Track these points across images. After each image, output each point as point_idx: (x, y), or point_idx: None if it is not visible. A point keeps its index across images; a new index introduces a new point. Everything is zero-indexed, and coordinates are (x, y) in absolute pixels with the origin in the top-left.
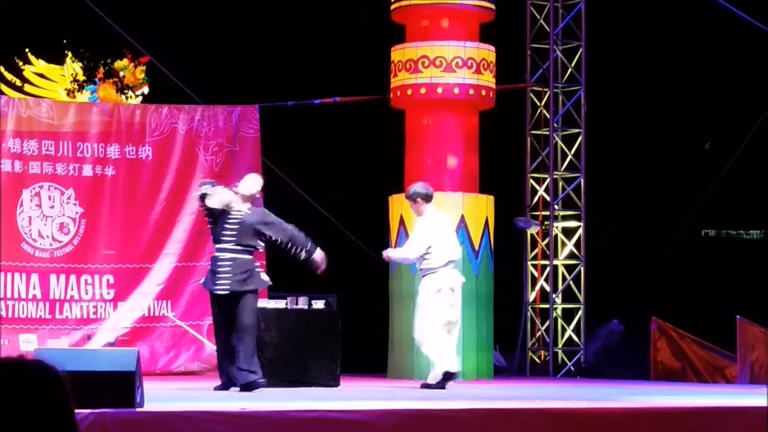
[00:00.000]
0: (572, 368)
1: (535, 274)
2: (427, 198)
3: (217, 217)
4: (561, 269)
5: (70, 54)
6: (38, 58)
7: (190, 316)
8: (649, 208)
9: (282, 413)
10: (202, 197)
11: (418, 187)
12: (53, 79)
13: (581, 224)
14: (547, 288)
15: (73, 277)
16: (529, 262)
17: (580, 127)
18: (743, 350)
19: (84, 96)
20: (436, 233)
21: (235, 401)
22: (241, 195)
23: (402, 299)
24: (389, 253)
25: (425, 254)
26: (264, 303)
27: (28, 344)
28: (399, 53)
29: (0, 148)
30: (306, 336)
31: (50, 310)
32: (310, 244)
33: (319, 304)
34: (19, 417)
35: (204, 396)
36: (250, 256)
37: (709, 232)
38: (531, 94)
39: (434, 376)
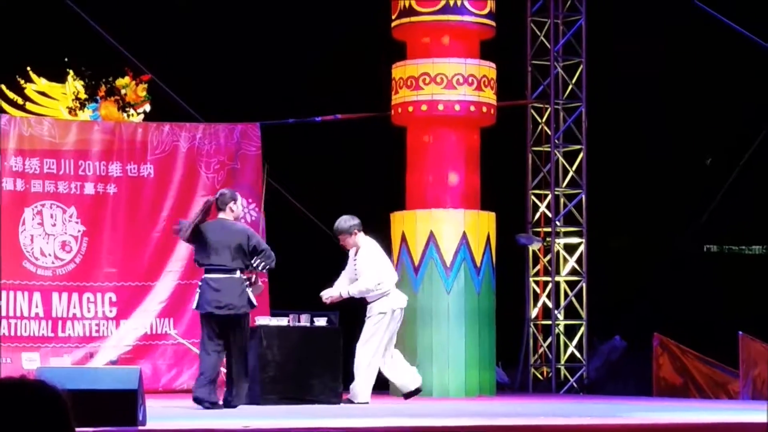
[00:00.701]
0: (575, 384)
1: (537, 290)
2: (360, 227)
3: None
4: (563, 285)
5: (71, 72)
6: (40, 76)
7: (193, 333)
8: (650, 223)
9: (284, 431)
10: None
11: (348, 219)
12: (55, 98)
13: (583, 240)
14: (549, 304)
15: (75, 295)
16: (531, 279)
17: (581, 143)
18: (745, 366)
19: (86, 114)
20: (382, 258)
21: (237, 419)
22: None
23: (404, 317)
24: (332, 294)
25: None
26: (266, 321)
27: (30, 362)
28: (400, 70)
29: (2, 166)
30: (308, 353)
31: (53, 329)
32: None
33: (321, 322)
34: None
35: (206, 414)
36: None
37: (711, 247)
38: (532, 111)
39: (360, 395)
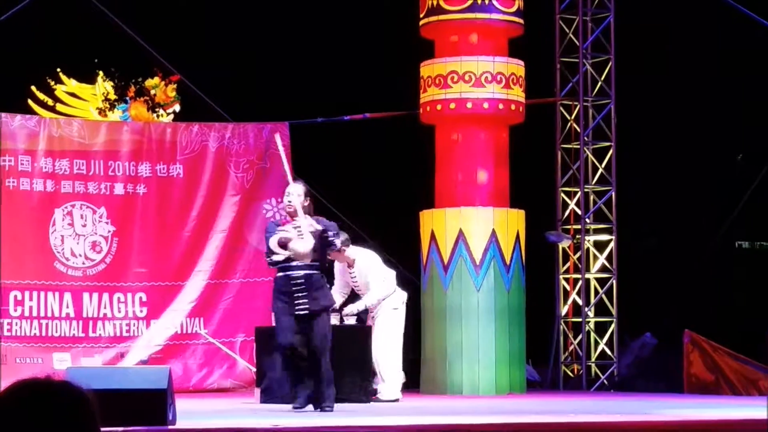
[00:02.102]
0: (605, 382)
1: (567, 287)
2: (348, 242)
3: None
4: (593, 283)
5: (101, 73)
6: (70, 77)
7: (223, 333)
8: (681, 219)
9: (314, 429)
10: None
11: (339, 234)
12: (85, 99)
13: (613, 237)
14: (580, 302)
15: (105, 296)
16: (561, 276)
17: (610, 140)
18: None
19: (115, 115)
20: (379, 261)
21: (266, 418)
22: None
23: (434, 314)
24: (354, 309)
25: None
26: None
27: (61, 363)
28: (428, 69)
29: (32, 167)
30: (338, 352)
31: (83, 329)
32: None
33: (350, 320)
34: None
35: (236, 413)
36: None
37: (743, 243)
38: (561, 108)
39: (390, 392)
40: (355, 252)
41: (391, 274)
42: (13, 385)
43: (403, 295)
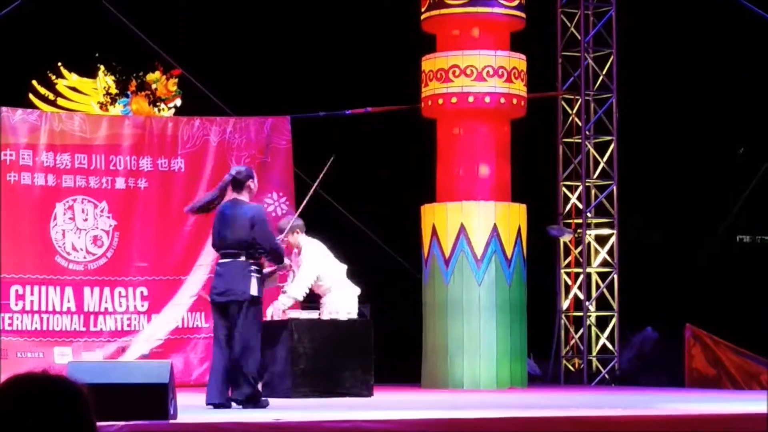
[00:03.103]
0: (607, 376)
1: (569, 282)
2: (303, 228)
3: None
4: (594, 277)
5: (102, 67)
6: (71, 71)
7: None
8: (682, 214)
9: (316, 424)
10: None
11: (292, 219)
12: (86, 93)
13: (614, 231)
14: (581, 296)
15: (107, 290)
16: (562, 270)
17: (612, 134)
18: None
19: (116, 109)
20: (321, 254)
21: (268, 412)
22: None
23: (435, 309)
24: (280, 305)
25: (317, 282)
26: (297, 313)
27: (62, 357)
28: (430, 63)
29: (33, 161)
30: (339, 346)
31: (84, 323)
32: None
33: (352, 315)
34: (42, 430)
35: (238, 407)
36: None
37: (744, 237)
38: (562, 102)
39: None
40: (304, 240)
41: (333, 271)
42: (8, 380)
43: (356, 290)
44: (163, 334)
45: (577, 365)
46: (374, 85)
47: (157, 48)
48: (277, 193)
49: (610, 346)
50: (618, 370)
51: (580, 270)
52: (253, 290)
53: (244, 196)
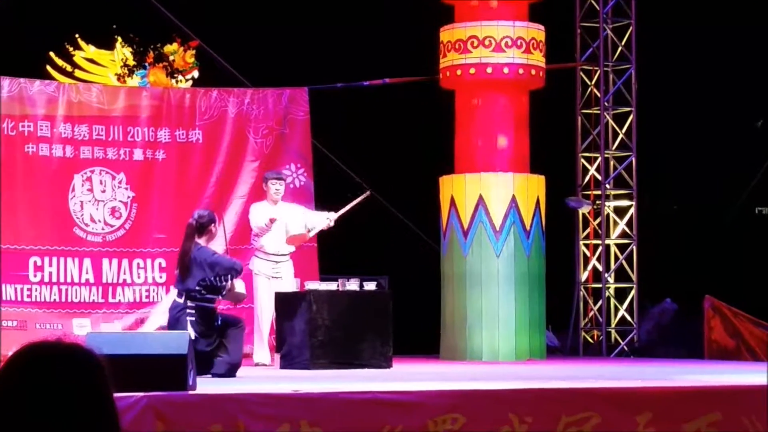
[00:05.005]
0: (625, 348)
1: (587, 253)
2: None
3: None
4: (613, 249)
5: (120, 39)
6: (88, 43)
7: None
8: (701, 185)
9: (334, 395)
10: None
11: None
12: (103, 65)
13: (633, 203)
14: (600, 268)
15: (125, 261)
16: (581, 242)
17: (630, 105)
18: None
19: (134, 81)
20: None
21: (287, 383)
22: None
23: (453, 280)
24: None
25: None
26: (315, 285)
27: (81, 328)
28: (448, 33)
29: (51, 133)
30: (358, 318)
31: (103, 295)
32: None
33: (370, 286)
34: (57, 400)
35: (256, 378)
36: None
37: (763, 209)
38: (581, 73)
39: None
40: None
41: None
42: (21, 348)
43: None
44: None
45: (595, 337)
46: (392, 56)
47: (175, 19)
48: (295, 164)
49: (628, 317)
50: (637, 342)
51: (599, 242)
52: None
53: (202, 242)
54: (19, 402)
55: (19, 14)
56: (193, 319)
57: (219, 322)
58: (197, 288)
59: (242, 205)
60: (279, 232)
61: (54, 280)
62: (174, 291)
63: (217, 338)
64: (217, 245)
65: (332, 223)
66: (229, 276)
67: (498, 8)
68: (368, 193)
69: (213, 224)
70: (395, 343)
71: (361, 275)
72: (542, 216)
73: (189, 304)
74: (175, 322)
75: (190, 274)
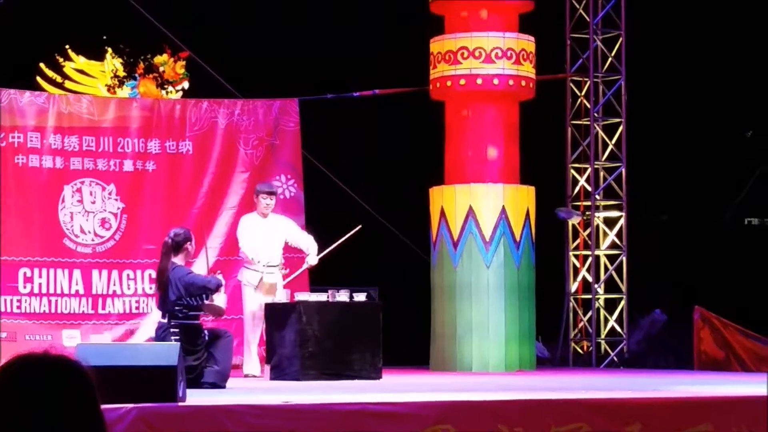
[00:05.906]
0: (615, 358)
1: (577, 264)
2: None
3: None
4: (603, 259)
5: (110, 50)
6: (78, 54)
7: (232, 310)
8: (691, 196)
9: (324, 406)
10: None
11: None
12: (93, 75)
13: (623, 214)
14: (589, 278)
15: (115, 273)
16: (570, 253)
17: (620, 116)
18: None
19: (124, 92)
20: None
21: (277, 395)
22: None
23: (444, 291)
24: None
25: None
26: (305, 296)
27: (71, 340)
28: (438, 45)
29: (41, 144)
30: (348, 329)
31: (93, 306)
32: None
33: (360, 297)
34: (43, 412)
35: (246, 389)
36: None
37: (752, 220)
38: (571, 84)
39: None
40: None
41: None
42: (9, 360)
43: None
44: None
45: (585, 348)
46: (382, 67)
47: (165, 30)
48: (286, 175)
49: (618, 328)
50: (626, 353)
51: (589, 252)
52: None
53: (180, 261)
54: (6, 414)
55: (8, 25)
56: (177, 337)
57: (206, 338)
58: (177, 308)
59: (232, 216)
60: (270, 243)
61: (44, 291)
62: None
63: (205, 352)
64: (200, 266)
65: (313, 265)
66: (203, 295)
67: (488, 19)
68: (359, 227)
69: (189, 242)
70: (385, 354)
71: (351, 286)
72: (532, 227)
73: (172, 323)
74: (161, 342)
75: (168, 293)
